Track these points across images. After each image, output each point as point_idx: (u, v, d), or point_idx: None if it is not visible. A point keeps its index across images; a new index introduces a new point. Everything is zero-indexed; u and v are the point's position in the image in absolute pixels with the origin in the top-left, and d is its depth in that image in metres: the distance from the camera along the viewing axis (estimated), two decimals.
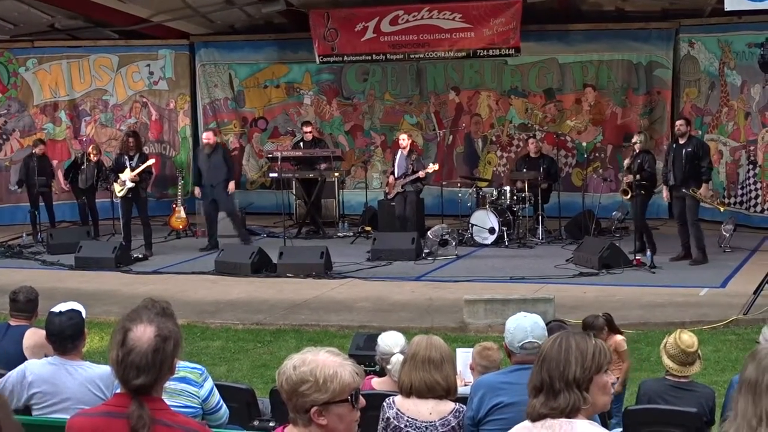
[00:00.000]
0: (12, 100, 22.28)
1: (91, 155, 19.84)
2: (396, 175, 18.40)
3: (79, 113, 22.75)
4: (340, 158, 20.89)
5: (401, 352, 6.61)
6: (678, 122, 16.15)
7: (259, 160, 23.04)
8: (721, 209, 16.07)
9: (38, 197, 19.61)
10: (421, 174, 18.01)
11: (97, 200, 19.98)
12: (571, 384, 3.54)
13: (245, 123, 23.23)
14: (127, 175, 17.46)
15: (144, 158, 17.85)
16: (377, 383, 6.87)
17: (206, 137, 18.58)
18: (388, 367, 6.77)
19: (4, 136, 22.24)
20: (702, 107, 19.79)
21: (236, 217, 18.70)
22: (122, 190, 17.55)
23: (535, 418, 3.59)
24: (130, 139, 18.00)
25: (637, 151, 16.26)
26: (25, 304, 7.90)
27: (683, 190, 15.48)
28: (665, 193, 16.19)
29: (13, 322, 7.85)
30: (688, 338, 7.09)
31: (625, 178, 16.69)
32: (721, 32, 19.08)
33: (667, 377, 7.17)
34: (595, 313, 12.39)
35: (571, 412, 3.52)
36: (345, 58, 21.03)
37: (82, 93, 22.72)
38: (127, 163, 17.59)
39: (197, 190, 18.54)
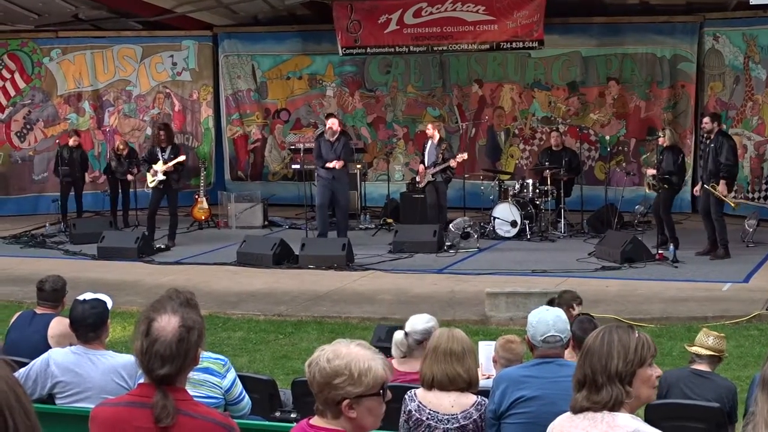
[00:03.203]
0: (36, 90, 22.39)
1: (120, 147, 19.96)
2: (426, 164, 18.33)
3: (102, 104, 22.83)
4: (363, 150, 20.88)
5: (407, 333, 6.70)
6: (704, 120, 16.07)
7: (282, 152, 23.07)
8: (732, 205, 15.85)
9: (69, 187, 19.68)
10: (452, 163, 17.90)
11: (120, 191, 20.03)
12: (613, 378, 3.59)
13: (268, 114, 23.25)
14: (159, 167, 17.56)
15: (176, 150, 17.95)
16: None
17: (330, 124, 17.34)
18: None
19: (28, 126, 22.35)
20: (726, 101, 19.69)
21: (346, 212, 17.96)
22: (153, 180, 17.67)
23: (577, 410, 3.63)
24: (161, 132, 18.08)
25: (663, 147, 16.21)
26: (51, 293, 7.94)
27: (705, 186, 15.47)
28: (697, 187, 16.09)
29: (39, 311, 7.90)
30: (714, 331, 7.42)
31: (648, 171, 16.63)
32: (746, 26, 18.99)
33: (690, 367, 7.25)
34: (616, 307, 12.41)
35: (614, 406, 3.56)
36: (368, 50, 21.01)
37: (105, 83, 22.80)
38: (160, 155, 17.70)
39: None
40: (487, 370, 7.35)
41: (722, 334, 7.46)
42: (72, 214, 19.72)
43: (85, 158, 20.16)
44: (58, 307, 7.96)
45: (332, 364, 3.56)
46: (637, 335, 3.69)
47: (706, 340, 7.25)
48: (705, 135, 16.08)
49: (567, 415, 3.73)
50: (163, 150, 17.73)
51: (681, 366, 8.22)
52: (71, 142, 19.66)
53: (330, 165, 16.89)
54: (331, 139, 17.05)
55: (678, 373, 7.30)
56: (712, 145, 15.46)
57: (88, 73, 22.62)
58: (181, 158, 17.80)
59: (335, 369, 3.55)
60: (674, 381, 7.17)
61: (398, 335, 6.76)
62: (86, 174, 20.27)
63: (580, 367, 3.70)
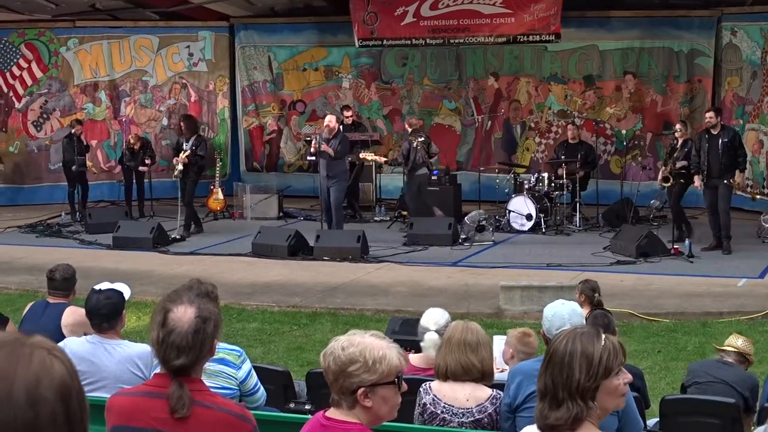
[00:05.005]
0: (53, 80, 22.43)
1: (131, 141, 20.03)
2: None
3: (118, 94, 22.86)
4: (378, 142, 20.88)
5: (437, 331, 6.64)
6: (707, 114, 15.94)
7: (297, 143, 23.09)
8: (755, 198, 15.82)
9: (76, 177, 19.71)
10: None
11: (135, 182, 20.06)
12: (574, 394, 3.32)
13: (284, 106, 23.26)
14: (180, 157, 17.73)
15: (200, 140, 18.13)
16: (413, 358, 6.89)
17: (327, 121, 17.00)
18: (422, 343, 6.81)
19: (45, 116, 22.39)
20: (744, 96, 19.61)
21: (340, 211, 17.62)
22: (177, 170, 17.88)
23: (543, 429, 3.43)
24: (181, 124, 18.46)
25: (681, 140, 16.16)
26: (62, 282, 7.94)
27: (723, 182, 15.33)
28: (697, 182, 15.96)
29: (51, 300, 7.91)
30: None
31: (677, 164, 16.52)
32: (764, 21, 18.89)
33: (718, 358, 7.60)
34: (631, 302, 12.38)
35: (574, 423, 3.33)
36: (384, 42, 20.98)
37: (122, 73, 22.82)
38: (184, 145, 17.94)
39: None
40: (501, 364, 7.34)
41: (751, 339, 7.82)
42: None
43: (86, 146, 20.13)
44: (70, 296, 7.97)
45: (347, 351, 3.56)
46: (603, 343, 3.36)
47: (735, 342, 7.57)
48: (707, 129, 15.78)
49: None
50: (186, 140, 17.88)
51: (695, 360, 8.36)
52: (74, 131, 19.57)
53: (318, 148, 16.65)
54: (328, 137, 16.85)
55: (703, 362, 7.73)
56: (725, 139, 15.36)
57: (105, 63, 22.65)
58: (187, 153, 17.80)
59: (350, 356, 3.55)
60: (698, 367, 7.48)
61: (432, 336, 6.66)
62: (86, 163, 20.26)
63: (541, 375, 3.44)
